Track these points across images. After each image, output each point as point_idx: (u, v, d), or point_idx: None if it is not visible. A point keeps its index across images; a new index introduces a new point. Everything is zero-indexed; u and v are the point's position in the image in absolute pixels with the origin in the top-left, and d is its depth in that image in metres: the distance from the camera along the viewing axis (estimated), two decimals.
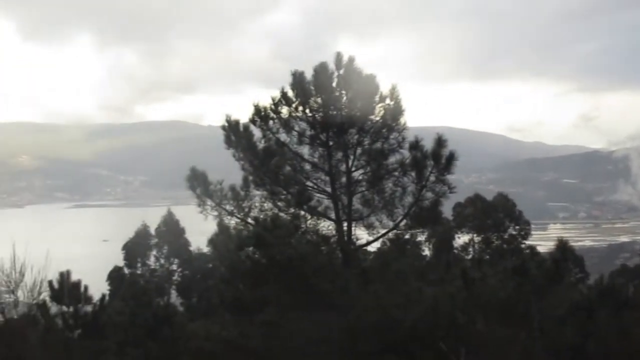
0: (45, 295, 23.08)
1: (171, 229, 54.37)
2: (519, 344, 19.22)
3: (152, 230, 55.49)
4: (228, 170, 23.37)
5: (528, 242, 45.13)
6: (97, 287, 29.99)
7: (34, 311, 22.79)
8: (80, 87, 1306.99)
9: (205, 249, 48.22)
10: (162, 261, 54.47)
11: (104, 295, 28.15)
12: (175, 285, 53.23)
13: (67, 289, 24.25)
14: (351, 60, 21.26)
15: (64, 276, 24.40)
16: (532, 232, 47.18)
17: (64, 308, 24.19)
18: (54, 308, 23.98)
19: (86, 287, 24.99)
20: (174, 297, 51.79)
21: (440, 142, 20.88)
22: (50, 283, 23.39)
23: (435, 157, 20.78)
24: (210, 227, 22.78)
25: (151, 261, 54.73)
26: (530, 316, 20.28)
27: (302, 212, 21.57)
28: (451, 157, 20.85)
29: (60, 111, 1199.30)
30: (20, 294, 21.33)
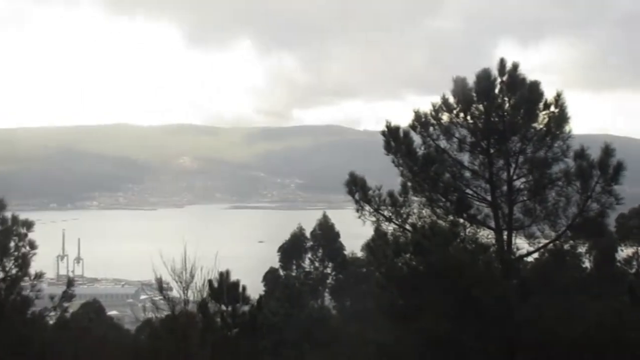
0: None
1: (326, 233, 55.03)
2: None
3: (308, 233, 56.32)
4: (383, 175, 23.38)
5: None
6: (252, 287, 30.70)
7: (196, 310, 23.57)
8: (240, 91, 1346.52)
9: (360, 254, 48.49)
10: (317, 264, 55.21)
11: (261, 296, 28.77)
12: (329, 289, 53.83)
13: (226, 288, 24.90)
14: (515, 66, 20.84)
15: (223, 276, 25.07)
16: None
17: (223, 307, 24.85)
18: (213, 307, 24.69)
19: (244, 287, 25.59)
20: (328, 300, 52.42)
21: (607, 150, 20.08)
22: (210, 282, 24.08)
23: (602, 167, 20.00)
24: (364, 231, 22.86)
25: (306, 264, 55.56)
26: None
27: (461, 220, 21.26)
28: (619, 167, 20.02)
29: (220, 114, 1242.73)
30: (190, 293, 22.16)
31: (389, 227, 21.76)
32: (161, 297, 23.65)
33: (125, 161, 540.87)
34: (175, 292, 22.81)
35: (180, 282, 21.82)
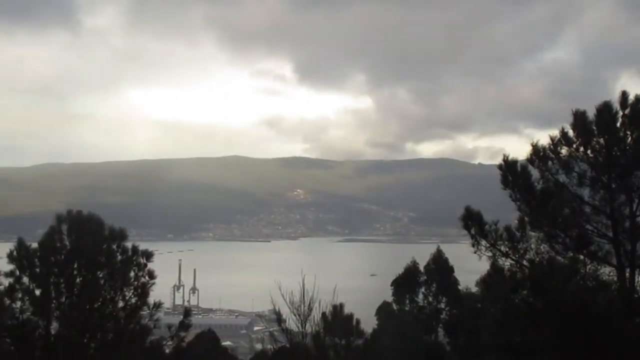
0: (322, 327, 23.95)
1: (440, 267, 54.32)
2: None
3: (421, 267, 55.86)
4: (499, 209, 23.09)
5: None
6: (365, 321, 30.68)
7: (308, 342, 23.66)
8: (353, 124, 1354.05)
9: (474, 289, 47.78)
10: (430, 299, 54.53)
11: (375, 331, 28.71)
12: (442, 324, 53.09)
13: (340, 321, 24.96)
14: (638, 99, 20.31)
15: (337, 309, 25.14)
16: None
17: (337, 340, 24.89)
18: (329, 340, 24.74)
19: (358, 321, 25.57)
20: (441, 336, 51.74)
21: None
22: (323, 315, 24.21)
23: None
24: (478, 266, 22.55)
25: (419, 298, 55.02)
26: None
27: (581, 257, 20.73)
28: None
29: (333, 147, 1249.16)
30: (308, 326, 22.32)
31: (506, 263, 21.40)
32: (277, 329, 23.85)
33: (240, 193, 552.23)
34: (292, 324, 22.96)
35: (298, 315, 22.00)
